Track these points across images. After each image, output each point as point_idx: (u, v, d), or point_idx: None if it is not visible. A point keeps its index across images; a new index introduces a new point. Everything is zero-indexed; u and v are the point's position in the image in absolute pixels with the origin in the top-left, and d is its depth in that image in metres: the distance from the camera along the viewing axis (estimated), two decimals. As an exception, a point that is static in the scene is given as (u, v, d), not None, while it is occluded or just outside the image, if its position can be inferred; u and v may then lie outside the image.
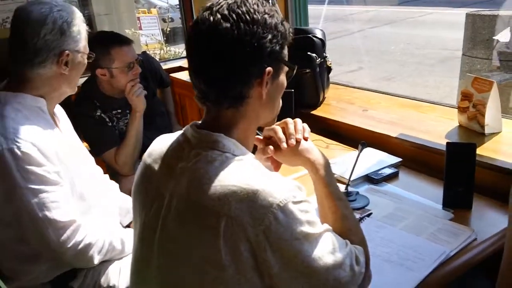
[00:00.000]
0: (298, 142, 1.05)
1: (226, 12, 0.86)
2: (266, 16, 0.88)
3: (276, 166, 1.13)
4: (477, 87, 1.61)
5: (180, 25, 6.58)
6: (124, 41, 1.98)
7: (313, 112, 2.09)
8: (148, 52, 3.16)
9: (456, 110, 1.78)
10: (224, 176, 0.84)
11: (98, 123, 2.02)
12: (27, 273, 1.30)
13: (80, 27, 1.33)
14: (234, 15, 0.86)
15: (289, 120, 1.08)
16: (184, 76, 2.89)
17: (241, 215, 0.80)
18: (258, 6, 0.88)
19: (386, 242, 1.21)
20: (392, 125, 1.84)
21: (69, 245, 1.23)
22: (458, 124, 1.73)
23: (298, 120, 1.09)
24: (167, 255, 0.91)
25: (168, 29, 5.46)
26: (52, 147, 1.26)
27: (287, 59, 0.95)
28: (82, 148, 1.52)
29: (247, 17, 0.86)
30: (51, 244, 1.22)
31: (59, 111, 1.47)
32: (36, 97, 1.31)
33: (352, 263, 0.88)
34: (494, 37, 3.10)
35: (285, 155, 1.07)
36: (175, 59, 3.81)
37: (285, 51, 0.94)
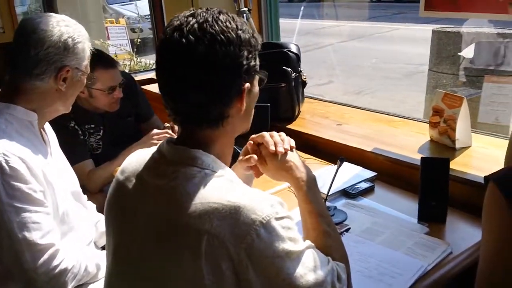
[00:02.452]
0: (285, 151, 1.05)
1: (199, 33, 0.82)
2: (240, 32, 0.86)
3: (257, 173, 1.13)
4: (447, 102, 1.66)
5: (149, 36, 6.53)
6: (110, 63, 1.95)
7: (289, 126, 2.10)
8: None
9: (427, 124, 1.82)
10: (204, 193, 0.83)
11: (70, 134, 1.97)
12: None
13: (85, 46, 1.30)
14: (208, 36, 0.82)
15: (274, 132, 1.09)
16: (155, 88, 2.84)
17: (223, 232, 0.78)
18: (230, 23, 0.86)
19: (365, 257, 1.22)
20: (366, 139, 1.86)
21: (44, 270, 1.17)
22: (429, 139, 1.78)
23: (282, 133, 1.10)
24: (144, 276, 0.88)
25: (139, 40, 5.38)
26: (40, 165, 1.22)
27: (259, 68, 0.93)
28: (68, 167, 1.47)
29: (222, 37, 0.83)
30: (24, 266, 1.16)
31: (47, 127, 1.43)
32: (28, 111, 1.26)
33: (334, 280, 0.87)
34: (459, 54, 3.21)
35: (270, 170, 1.07)
36: (146, 70, 3.76)
37: (258, 61, 0.92)
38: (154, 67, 3.92)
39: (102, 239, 1.53)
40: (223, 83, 0.85)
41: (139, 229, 0.89)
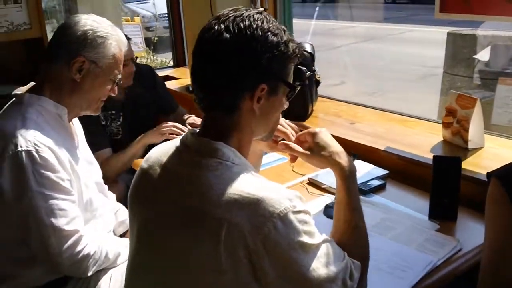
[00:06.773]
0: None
1: (230, 24, 0.89)
2: (268, 34, 0.90)
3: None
4: (461, 103, 1.67)
5: (164, 35, 6.61)
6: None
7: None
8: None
9: (439, 125, 1.84)
10: (225, 184, 0.86)
11: (93, 122, 2.02)
12: (19, 276, 1.29)
13: (108, 43, 1.31)
14: (236, 28, 0.89)
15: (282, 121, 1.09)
16: (172, 85, 2.90)
17: (242, 222, 0.82)
18: (263, 23, 0.90)
19: (375, 251, 1.24)
20: (379, 138, 1.89)
21: (68, 255, 1.23)
22: (442, 139, 1.79)
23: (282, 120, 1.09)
24: (166, 261, 0.92)
25: (156, 38, 5.44)
26: (67, 155, 1.27)
27: (290, 79, 0.96)
28: (92, 159, 1.53)
29: (248, 32, 0.88)
30: (50, 251, 1.21)
31: (75, 121, 1.49)
32: (58, 104, 1.31)
33: (345, 277, 0.90)
34: (474, 56, 3.21)
35: (316, 157, 1.06)
36: (162, 68, 3.81)
37: (287, 71, 0.95)
38: (169, 64, 3.99)
39: (120, 227, 1.58)
40: (235, 72, 0.89)
41: (163, 215, 0.93)
